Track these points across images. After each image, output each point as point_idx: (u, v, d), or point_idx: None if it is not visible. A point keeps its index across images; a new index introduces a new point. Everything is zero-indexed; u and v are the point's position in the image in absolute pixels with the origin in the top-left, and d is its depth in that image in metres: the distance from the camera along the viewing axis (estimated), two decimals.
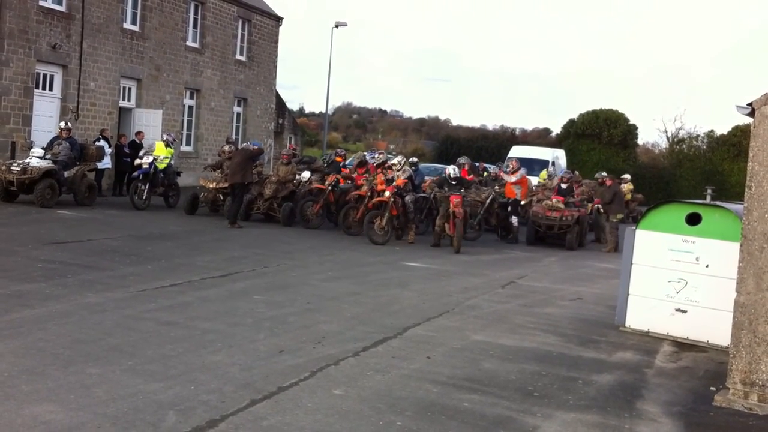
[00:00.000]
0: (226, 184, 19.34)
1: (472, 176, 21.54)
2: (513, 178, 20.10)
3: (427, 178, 20.60)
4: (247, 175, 18.01)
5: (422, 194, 18.39)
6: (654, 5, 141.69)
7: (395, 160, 18.01)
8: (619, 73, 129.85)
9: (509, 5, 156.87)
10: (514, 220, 19.66)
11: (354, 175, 19.43)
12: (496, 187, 20.67)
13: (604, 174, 21.49)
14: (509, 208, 19.80)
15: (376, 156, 19.84)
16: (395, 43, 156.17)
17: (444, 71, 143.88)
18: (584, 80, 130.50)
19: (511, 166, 21.10)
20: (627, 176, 21.05)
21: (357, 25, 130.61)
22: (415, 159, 20.30)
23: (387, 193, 16.64)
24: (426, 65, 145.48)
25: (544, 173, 26.70)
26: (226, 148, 20.59)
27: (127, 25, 24.99)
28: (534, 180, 23.60)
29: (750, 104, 7.01)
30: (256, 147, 18.73)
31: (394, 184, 16.93)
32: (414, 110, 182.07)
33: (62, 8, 22.32)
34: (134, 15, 25.38)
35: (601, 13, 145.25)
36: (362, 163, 19.87)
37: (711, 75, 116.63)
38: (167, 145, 20.51)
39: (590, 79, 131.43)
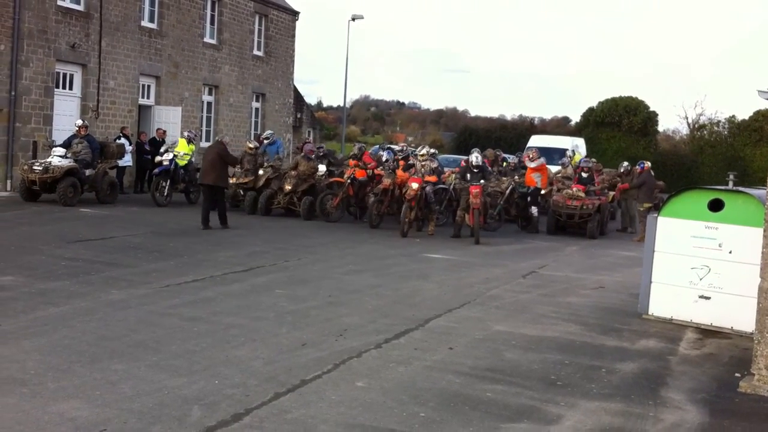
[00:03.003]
0: (246, 180, 19.43)
1: (495, 168, 21.53)
2: (533, 164, 20.18)
3: (446, 169, 20.56)
4: (222, 177, 16.23)
5: (442, 185, 18.34)
6: (655, 5, 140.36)
7: (423, 151, 18.00)
8: (622, 73, 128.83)
9: (524, 5, 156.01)
10: (534, 210, 19.59)
11: (350, 162, 19.50)
12: (516, 177, 20.60)
13: (626, 164, 22.11)
14: (529, 198, 19.73)
15: (396, 150, 19.85)
16: (412, 37, 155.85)
17: (463, 67, 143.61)
18: (587, 80, 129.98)
19: (531, 156, 21.07)
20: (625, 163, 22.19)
21: (375, 18, 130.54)
22: (434, 150, 20.21)
23: (414, 185, 16.53)
24: (441, 61, 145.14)
25: (577, 156, 26.63)
26: (250, 144, 20.43)
27: (145, 23, 25.07)
28: (554, 169, 23.48)
29: None
30: (226, 141, 17.17)
31: (423, 178, 16.85)
32: (432, 102, 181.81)
33: (80, 7, 22.44)
34: (152, 13, 25.47)
35: (602, 13, 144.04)
36: (355, 156, 19.91)
37: (711, 74, 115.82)
38: (189, 142, 20.63)
39: (591, 80, 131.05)
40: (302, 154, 19.72)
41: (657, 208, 14.23)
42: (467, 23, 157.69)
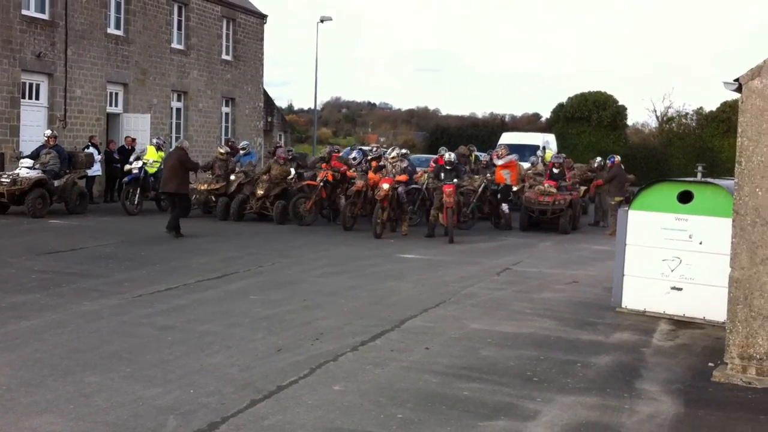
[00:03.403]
0: (218, 186, 19.34)
1: (468, 167, 21.62)
2: (500, 161, 20.35)
3: (419, 169, 20.59)
4: (183, 184, 15.88)
5: (414, 185, 18.36)
6: (653, 4, 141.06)
7: (394, 153, 17.97)
8: (619, 73, 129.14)
9: (500, 3, 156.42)
10: (505, 207, 19.65)
11: (322, 165, 19.55)
12: (488, 175, 20.67)
13: (599, 159, 22.58)
14: (499, 195, 19.80)
15: (369, 151, 19.85)
16: (385, 37, 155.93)
17: (435, 66, 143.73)
18: (583, 81, 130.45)
19: (499, 153, 21.22)
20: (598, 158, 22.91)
21: (344, 19, 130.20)
22: (405, 150, 20.23)
23: (385, 186, 16.52)
24: (416, 61, 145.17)
25: (549, 153, 26.85)
26: (221, 150, 20.33)
27: (111, 30, 24.87)
28: (525, 165, 23.62)
29: (737, 80, 7.01)
30: (186, 146, 16.50)
31: (394, 178, 16.84)
32: (403, 102, 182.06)
33: (45, 16, 22.23)
34: (118, 19, 25.27)
35: (600, 13, 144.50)
36: (323, 159, 19.94)
37: (711, 74, 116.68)
38: (158, 149, 20.51)
39: (589, 80, 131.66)
40: (274, 158, 19.66)
41: (628, 201, 14.34)
42: (437, 22, 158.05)
